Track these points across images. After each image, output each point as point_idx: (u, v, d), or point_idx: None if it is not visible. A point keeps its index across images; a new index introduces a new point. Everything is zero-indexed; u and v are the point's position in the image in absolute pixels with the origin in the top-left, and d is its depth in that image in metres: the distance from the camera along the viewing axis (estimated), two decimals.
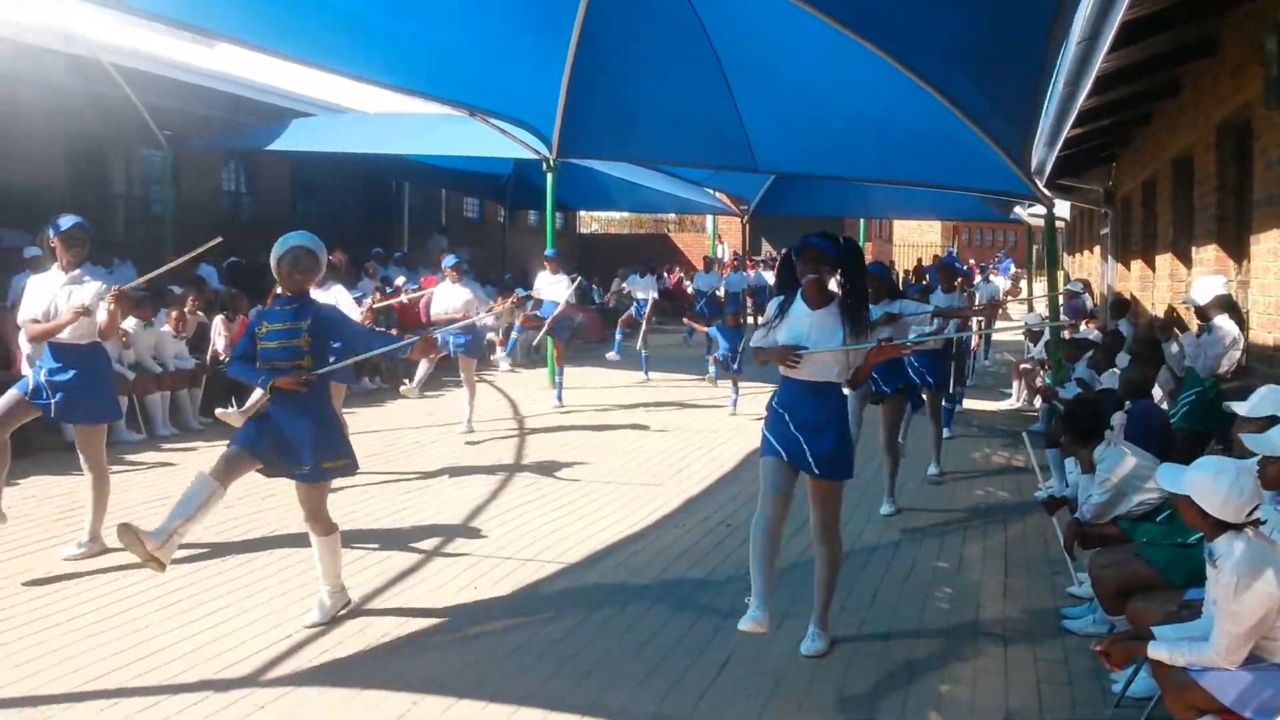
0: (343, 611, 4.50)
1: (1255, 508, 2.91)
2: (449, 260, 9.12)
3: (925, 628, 4.58)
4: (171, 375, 9.01)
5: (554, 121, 10.33)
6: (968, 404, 11.03)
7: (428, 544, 5.67)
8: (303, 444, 4.20)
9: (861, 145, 9.20)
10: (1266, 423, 3.56)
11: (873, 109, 8.28)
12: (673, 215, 34.19)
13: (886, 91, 7.60)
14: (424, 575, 5.15)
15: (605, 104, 9.71)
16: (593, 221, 37.14)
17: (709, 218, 25.13)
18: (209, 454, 8.06)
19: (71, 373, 5.07)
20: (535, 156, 11.84)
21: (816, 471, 4.03)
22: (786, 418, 4.09)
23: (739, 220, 21.59)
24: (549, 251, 11.32)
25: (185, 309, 9.53)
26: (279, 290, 4.33)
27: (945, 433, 8.82)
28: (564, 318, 10.69)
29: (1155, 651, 2.97)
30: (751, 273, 22.74)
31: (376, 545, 5.61)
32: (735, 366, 10.54)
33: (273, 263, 4.29)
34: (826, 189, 15.78)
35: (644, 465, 7.94)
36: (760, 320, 4.32)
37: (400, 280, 14.23)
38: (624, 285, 16.01)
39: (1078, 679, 4.05)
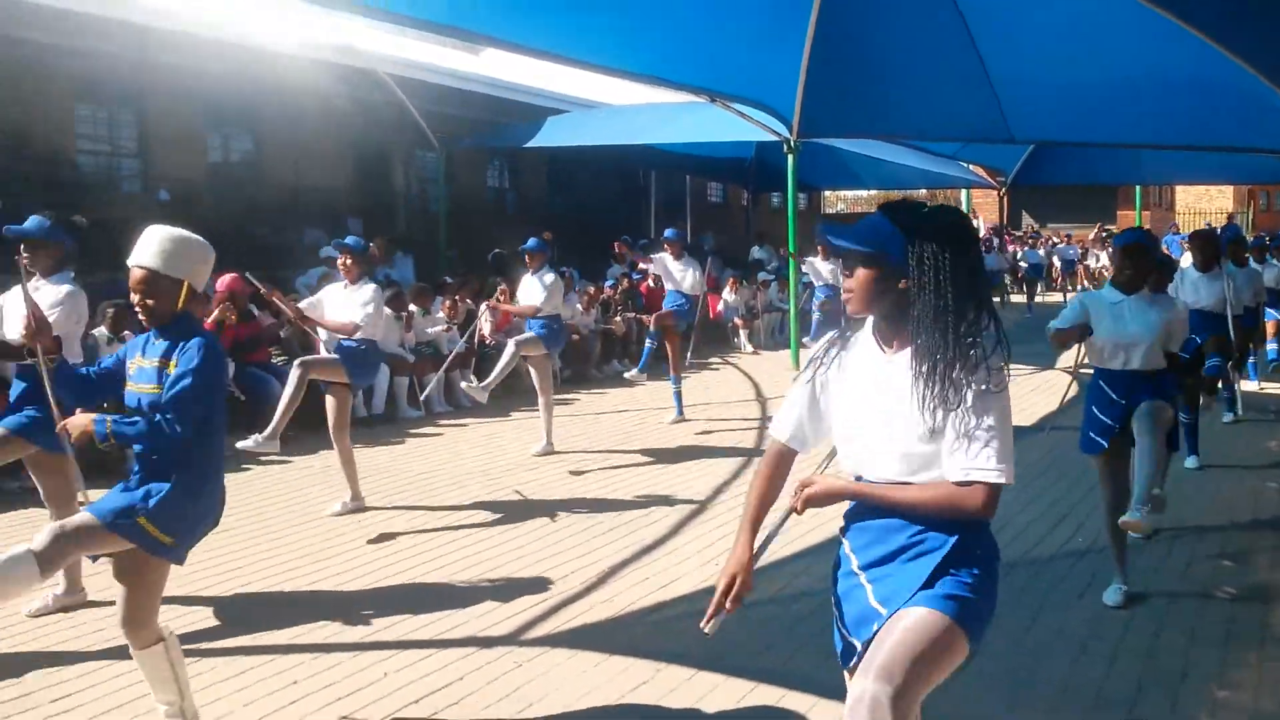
0: None
1: None
2: (670, 234, 9.15)
3: (1202, 628, 4.22)
4: (446, 357, 9.82)
5: (794, 102, 10.26)
6: (1259, 386, 9.89)
7: (671, 521, 5.86)
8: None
9: (1131, 105, 8.44)
10: None
11: (1142, 64, 7.58)
12: (923, 190, 32.87)
13: (1158, 43, 6.95)
14: (668, 549, 5.34)
15: (845, 81, 9.50)
16: (838, 201, 36.42)
17: (963, 192, 23.99)
18: (478, 429, 8.72)
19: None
20: (776, 139, 11.82)
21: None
22: (863, 576, 2.28)
23: (996, 193, 20.44)
24: (669, 233, 9.18)
25: (457, 297, 10.36)
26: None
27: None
28: (687, 309, 8.88)
29: None
30: (1015, 250, 21.36)
31: (626, 521, 5.87)
32: None
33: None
34: (1094, 154, 14.63)
35: None
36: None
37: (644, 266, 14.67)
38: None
39: None
